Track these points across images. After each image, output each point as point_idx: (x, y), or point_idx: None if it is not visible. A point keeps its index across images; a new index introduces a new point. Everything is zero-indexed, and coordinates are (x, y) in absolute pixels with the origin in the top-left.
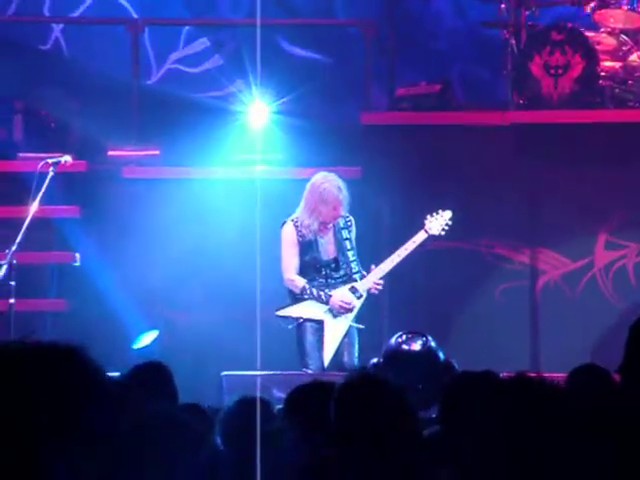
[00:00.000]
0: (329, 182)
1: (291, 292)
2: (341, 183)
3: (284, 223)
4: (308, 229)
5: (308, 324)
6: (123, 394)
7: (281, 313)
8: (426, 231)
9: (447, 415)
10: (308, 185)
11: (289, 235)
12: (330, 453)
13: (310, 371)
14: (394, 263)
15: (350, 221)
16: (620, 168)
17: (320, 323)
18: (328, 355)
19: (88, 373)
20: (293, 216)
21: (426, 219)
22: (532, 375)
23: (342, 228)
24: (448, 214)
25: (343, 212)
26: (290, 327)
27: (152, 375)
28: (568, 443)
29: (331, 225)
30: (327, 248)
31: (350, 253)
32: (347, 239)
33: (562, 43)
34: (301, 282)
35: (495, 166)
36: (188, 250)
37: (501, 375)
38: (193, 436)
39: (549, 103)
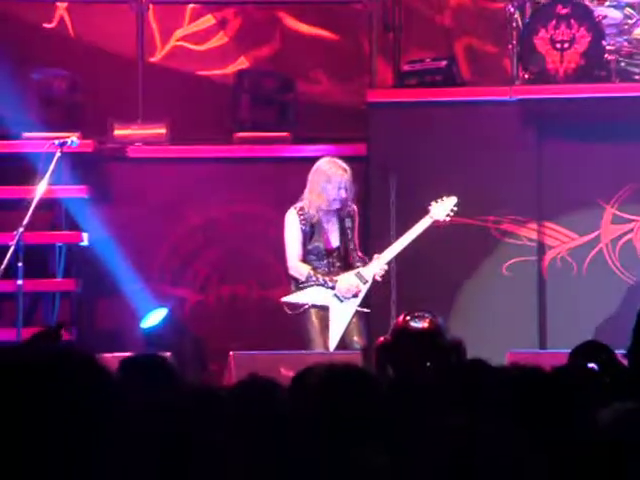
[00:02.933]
0: (334, 163)
1: (295, 280)
2: (346, 166)
3: (288, 211)
4: (312, 216)
5: (313, 310)
6: (122, 389)
7: (287, 299)
8: (431, 217)
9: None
10: (313, 169)
11: (293, 223)
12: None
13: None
14: (398, 250)
15: (353, 210)
16: (626, 142)
17: (326, 309)
18: (334, 340)
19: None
20: (297, 204)
21: (430, 205)
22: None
23: (345, 217)
24: (453, 200)
25: (346, 195)
26: (297, 312)
27: (154, 370)
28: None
29: (335, 214)
30: (330, 237)
31: (353, 242)
32: (350, 228)
33: (567, 17)
34: (305, 269)
35: (501, 141)
36: (195, 228)
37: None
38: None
39: (555, 77)
